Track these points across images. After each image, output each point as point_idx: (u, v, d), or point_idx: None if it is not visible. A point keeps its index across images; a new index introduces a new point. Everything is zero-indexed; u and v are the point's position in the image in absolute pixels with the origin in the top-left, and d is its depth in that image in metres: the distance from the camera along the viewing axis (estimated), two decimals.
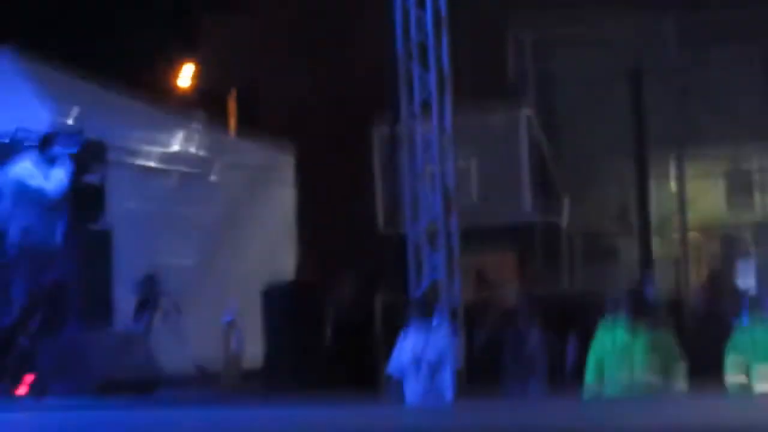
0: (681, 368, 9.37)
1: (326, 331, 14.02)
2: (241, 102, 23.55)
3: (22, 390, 8.92)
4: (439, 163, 13.20)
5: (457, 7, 13.20)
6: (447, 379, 11.42)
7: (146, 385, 9.19)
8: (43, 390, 8.86)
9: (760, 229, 21.14)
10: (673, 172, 21.94)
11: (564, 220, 19.61)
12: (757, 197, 21.76)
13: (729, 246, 20.77)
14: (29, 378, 8.93)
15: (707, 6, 19.76)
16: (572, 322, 12.93)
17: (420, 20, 13.08)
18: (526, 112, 18.93)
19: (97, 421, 7.08)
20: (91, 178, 10.84)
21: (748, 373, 8.97)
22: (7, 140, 10.37)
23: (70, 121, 11.67)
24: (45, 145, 10.32)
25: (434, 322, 12.19)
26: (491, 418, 6.57)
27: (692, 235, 21.77)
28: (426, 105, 13.18)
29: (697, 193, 21.53)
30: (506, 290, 17.35)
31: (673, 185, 22.04)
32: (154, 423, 6.73)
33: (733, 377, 9.02)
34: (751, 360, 9.02)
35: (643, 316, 9.73)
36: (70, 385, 8.49)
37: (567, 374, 11.57)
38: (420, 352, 11.78)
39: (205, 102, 22.87)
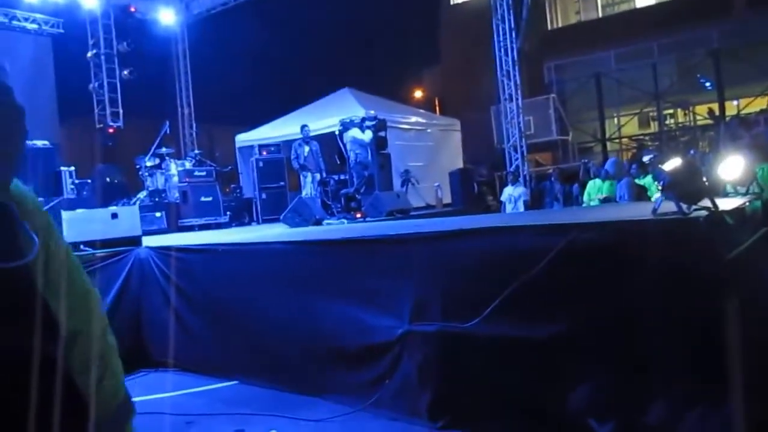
0: (615, 194, 8.53)
1: (475, 186, 13.43)
2: (441, 101, 22.98)
3: (359, 215, 8.71)
4: (516, 117, 12.34)
5: (521, 53, 12.32)
6: (522, 205, 10.79)
7: (405, 211, 8.87)
8: (366, 215, 8.63)
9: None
10: (613, 114, 20.05)
11: (570, 138, 18.47)
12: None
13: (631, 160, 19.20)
14: (361, 211, 8.74)
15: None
16: (575, 178, 12.10)
17: (506, 61, 12.21)
18: (552, 96, 17.83)
19: (389, 224, 6.75)
20: (381, 134, 10.36)
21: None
22: (349, 121, 10.07)
23: (372, 113, 11.24)
24: (362, 122, 9.95)
25: (517, 181, 11.51)
26: (541, 217, 5.98)
27: (625, 141, 20.06)
28: (510, 96, 12.34)
29: (623, 122, 19.85)
30: (546, 166, 16.59)
31: (615, 121, 20.08)
32: (409, 223, 6.36)
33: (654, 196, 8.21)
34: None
35: (604, 174, 8.95)
36: (376, 212, 8.25)
37: (573, 200, 10.80)
38: (512, 193, 11.09)
39: (426, 102, 22.47)
